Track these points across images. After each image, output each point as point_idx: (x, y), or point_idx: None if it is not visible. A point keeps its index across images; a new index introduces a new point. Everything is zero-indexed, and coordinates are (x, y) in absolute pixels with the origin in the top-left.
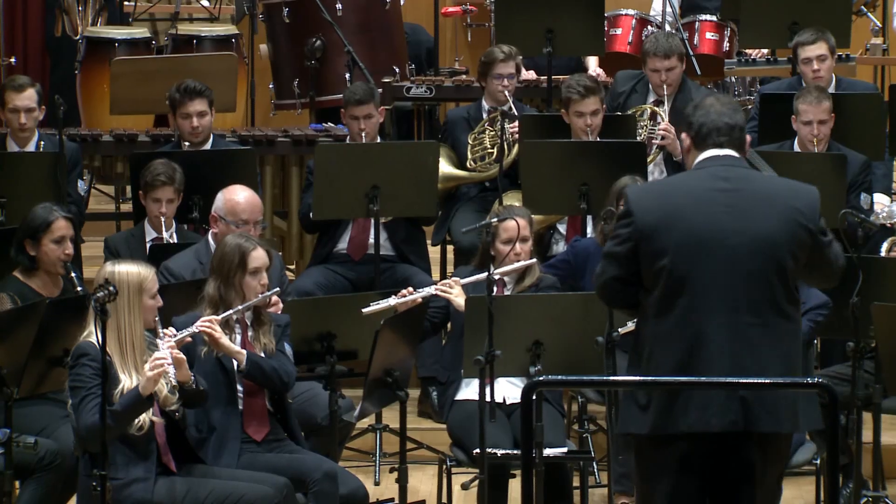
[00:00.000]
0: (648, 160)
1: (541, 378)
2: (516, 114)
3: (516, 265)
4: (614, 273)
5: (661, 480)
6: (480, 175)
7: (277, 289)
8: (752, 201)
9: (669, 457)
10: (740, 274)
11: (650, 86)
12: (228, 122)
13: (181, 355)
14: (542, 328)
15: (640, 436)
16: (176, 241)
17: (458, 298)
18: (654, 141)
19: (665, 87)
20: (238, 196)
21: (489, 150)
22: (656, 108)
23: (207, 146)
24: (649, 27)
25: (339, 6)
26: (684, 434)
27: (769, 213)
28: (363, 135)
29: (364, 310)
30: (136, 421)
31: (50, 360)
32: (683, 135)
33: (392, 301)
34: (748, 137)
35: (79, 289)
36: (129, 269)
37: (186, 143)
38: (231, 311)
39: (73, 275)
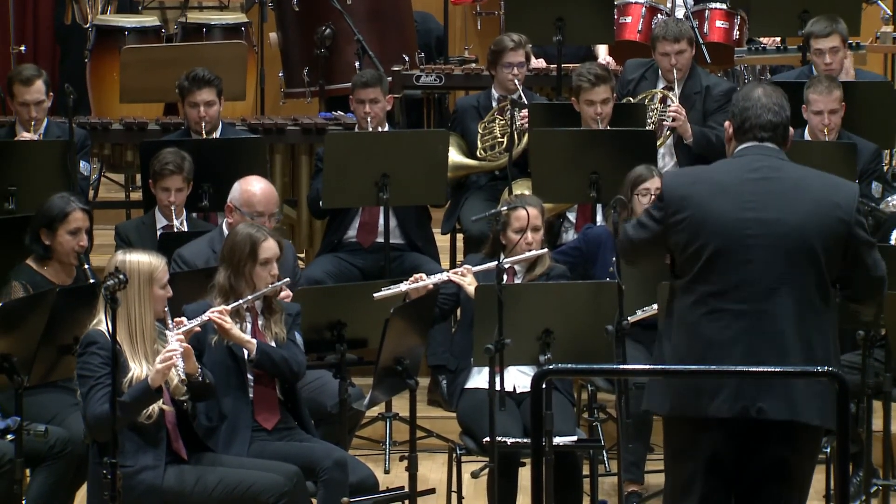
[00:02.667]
0: (658, 143)
1: (551, 367)
2: (526, 102)
3: (527, 255)
4: (645, 236)
5: (690, 460)
6: (490, 164)
7: (287, 279)
8: (781, 191)
9: (696, 439)
10: (763, 262)
11: (659, 73)
12: (238, 110)
13: (189, 347)
14: (552, 317)
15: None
16: (186, 229)
17: (471, 286)
18: (664, 123)
19: (675, 71)
20: (254, 187)
21: (499, 139)
22: (666, 92)
23: (217, 135)
24: (659, 15)
25: None
26: (710, 419)
27: (799, 202)
28: (368, 119)
29: (376, 294)
30: (146, 409)
31: (60, 349)
32: (727, 123)
33: (404, 287)
34: (791, 131)
35: (91, 281)
36: (140, 259)
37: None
38: (241, 301)
39: (86, 267)
